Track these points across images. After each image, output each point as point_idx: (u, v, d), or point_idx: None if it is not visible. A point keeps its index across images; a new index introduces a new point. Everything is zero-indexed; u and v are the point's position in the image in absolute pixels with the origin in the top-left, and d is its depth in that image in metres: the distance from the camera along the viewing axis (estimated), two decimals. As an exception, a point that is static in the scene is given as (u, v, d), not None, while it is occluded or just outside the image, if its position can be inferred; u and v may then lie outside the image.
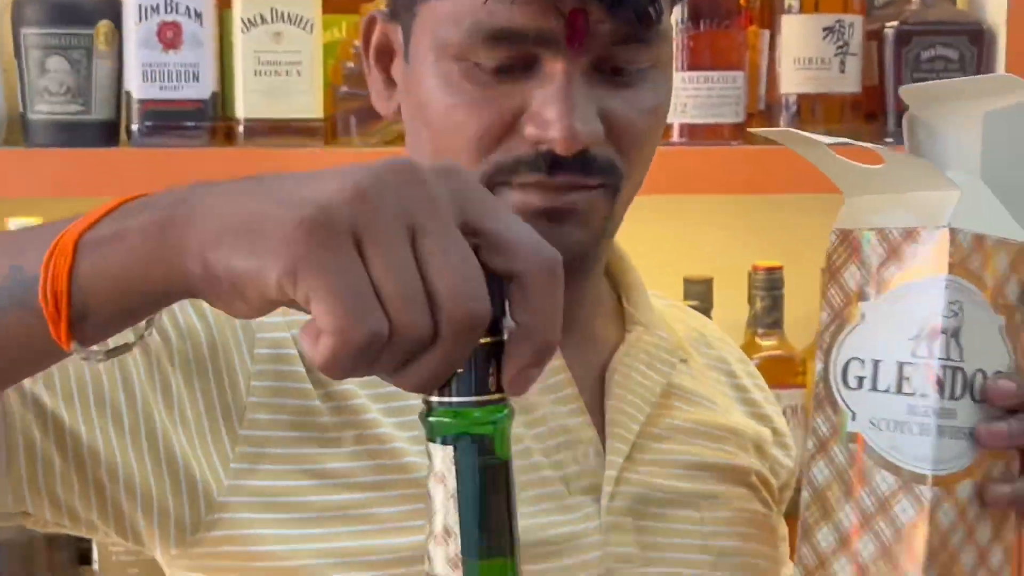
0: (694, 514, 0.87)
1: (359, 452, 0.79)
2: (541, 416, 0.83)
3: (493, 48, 0.77)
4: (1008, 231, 0.73)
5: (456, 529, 0.49)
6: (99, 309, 0.54)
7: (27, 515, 0.75)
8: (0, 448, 0.70)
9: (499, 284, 0.48)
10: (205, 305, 0.56)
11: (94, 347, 0.55)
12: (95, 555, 1.33)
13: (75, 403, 0.73)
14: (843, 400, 0.74)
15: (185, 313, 0.77)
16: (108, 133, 1.26)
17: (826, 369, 0.75)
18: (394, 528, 0.78)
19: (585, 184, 0.79)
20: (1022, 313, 0.74)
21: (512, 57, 0.77)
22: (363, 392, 0.79)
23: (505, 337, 0.49)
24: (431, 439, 0.50)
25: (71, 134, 1.24)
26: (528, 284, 0.49)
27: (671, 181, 1.26)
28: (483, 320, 0.48)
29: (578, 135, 0.76)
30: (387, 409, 0.77)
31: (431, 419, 0.50)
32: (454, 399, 0.49)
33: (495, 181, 0.78)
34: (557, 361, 0.83)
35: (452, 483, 0.49)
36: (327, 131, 1.27)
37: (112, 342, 0.57)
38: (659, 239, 1.45)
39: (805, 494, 0.76)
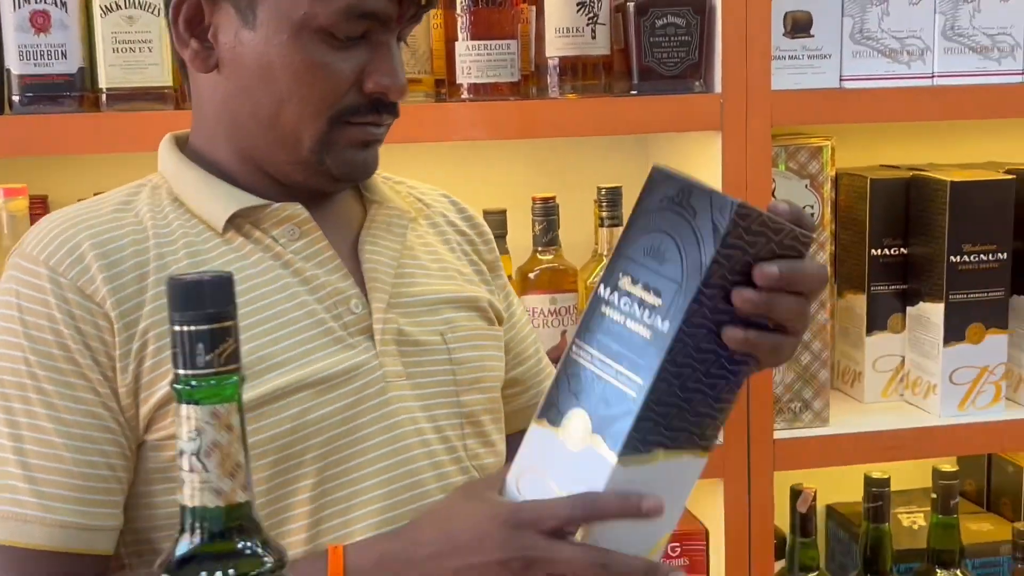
0: (439, 338, 1.13)
1: None
2: (320, 284, 1.08)
3: (356, 24, 1.03)
4: None
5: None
6: None
7: None
8: None
9: None
10: None
11: None
12: None
13: None
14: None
15: None
16: (-7, 104, 1.44)
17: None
18: None
19: (391, 121, 1.09)
20: None
21: (362, 31, 1.04)
22: None
23: (228, 324, 0.64)
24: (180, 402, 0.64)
25: (-39, 106, 1.41)
26: None
27: (458, 130, 1.49)
28: None
29: (405, 89, 1.07)
30: None
31: (177, 386, 0.64)
32: (190, 372, 0.63)
33: (338, 121, 1.05)
34: (323, 242, 1.09)
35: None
36: (176, 97, 1.46)
37: None
38: (460, 179, 1.70)
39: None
